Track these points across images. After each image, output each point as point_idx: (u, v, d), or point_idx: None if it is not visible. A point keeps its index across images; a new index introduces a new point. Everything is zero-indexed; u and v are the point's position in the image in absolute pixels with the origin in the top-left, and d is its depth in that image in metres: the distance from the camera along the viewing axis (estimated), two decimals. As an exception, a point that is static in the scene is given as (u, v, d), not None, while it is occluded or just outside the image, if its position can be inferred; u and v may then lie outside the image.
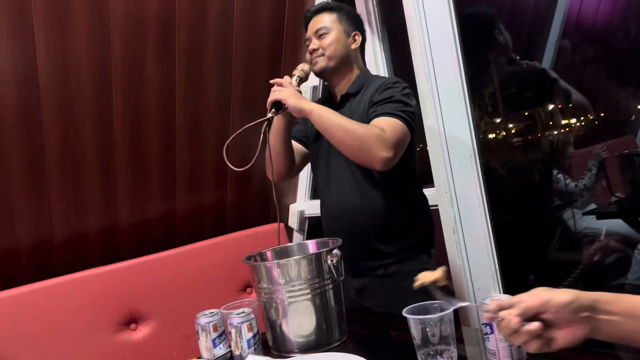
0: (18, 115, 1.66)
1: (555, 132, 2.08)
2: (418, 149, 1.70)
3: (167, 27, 1.86)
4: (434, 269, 1.64)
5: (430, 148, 1.79)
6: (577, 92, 1.95)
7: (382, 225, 1.54)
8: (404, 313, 1.04)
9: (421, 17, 1.74)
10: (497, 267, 1.71)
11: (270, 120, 1.51)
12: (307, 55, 1.65)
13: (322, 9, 1.64)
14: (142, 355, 1.83)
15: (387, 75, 2.10)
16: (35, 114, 1.69)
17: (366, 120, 1.47)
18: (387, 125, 1.40)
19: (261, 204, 2.35)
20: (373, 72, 2.08)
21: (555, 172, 2.09)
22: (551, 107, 2.05)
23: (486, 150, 2.02)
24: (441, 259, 1.86)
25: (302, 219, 2.44)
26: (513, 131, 2.18)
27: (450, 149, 1.76)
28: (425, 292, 1.53)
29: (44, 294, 1.74)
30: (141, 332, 1.87)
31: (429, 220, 1.64)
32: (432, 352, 1.02)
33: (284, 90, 1.48)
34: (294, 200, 2.49)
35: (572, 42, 2.08)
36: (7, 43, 1.58)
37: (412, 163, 1.61)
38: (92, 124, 1.81)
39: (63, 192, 1.82)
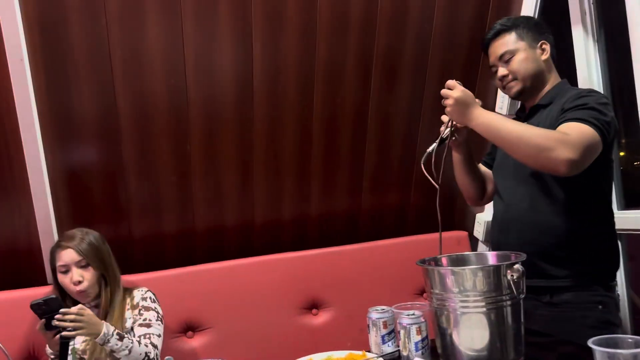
0: (234, 112, 1.90)
1: None
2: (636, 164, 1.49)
3: (368, 30, 1.93)
4: (615, 303, 1.43)
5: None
6: None
7: (550, 244, 1.42)
8: (589, 343, 0.93)
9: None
10: None
11: (439, 144, 1.49)
12: (497, 82, 1.57)
13: (500, 31, 1.54)
14: (319, 339, 1.96)
15: (600, 79, 1.89)
16: (248, 112, 1.92)
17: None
18: (573, 130, 1.28)
19: (444, 210, 2.30)
20: (584, 75, 1.89)
21: None
22: None
23: None
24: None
25: (489, 229, 2.32)
26: None
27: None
28: (603, 327, 1.34)
29: (244, 270, 1.98)
30: (321, 318, 2.00)
31: (613, 249, 1.45)
32: (621, 394, 0.90)
33: (450, 105, 1.39)
34: (482, 210, 2.38)
35: None
36: (231, 47, 1.81)
37: (602, 183, 1.44)
38: (293, 123, 1.99)
39: (264, 182, 2.04)
